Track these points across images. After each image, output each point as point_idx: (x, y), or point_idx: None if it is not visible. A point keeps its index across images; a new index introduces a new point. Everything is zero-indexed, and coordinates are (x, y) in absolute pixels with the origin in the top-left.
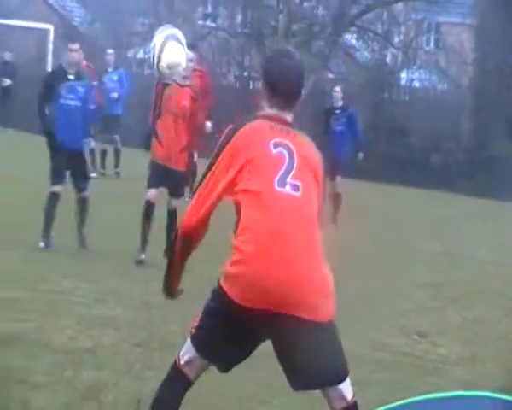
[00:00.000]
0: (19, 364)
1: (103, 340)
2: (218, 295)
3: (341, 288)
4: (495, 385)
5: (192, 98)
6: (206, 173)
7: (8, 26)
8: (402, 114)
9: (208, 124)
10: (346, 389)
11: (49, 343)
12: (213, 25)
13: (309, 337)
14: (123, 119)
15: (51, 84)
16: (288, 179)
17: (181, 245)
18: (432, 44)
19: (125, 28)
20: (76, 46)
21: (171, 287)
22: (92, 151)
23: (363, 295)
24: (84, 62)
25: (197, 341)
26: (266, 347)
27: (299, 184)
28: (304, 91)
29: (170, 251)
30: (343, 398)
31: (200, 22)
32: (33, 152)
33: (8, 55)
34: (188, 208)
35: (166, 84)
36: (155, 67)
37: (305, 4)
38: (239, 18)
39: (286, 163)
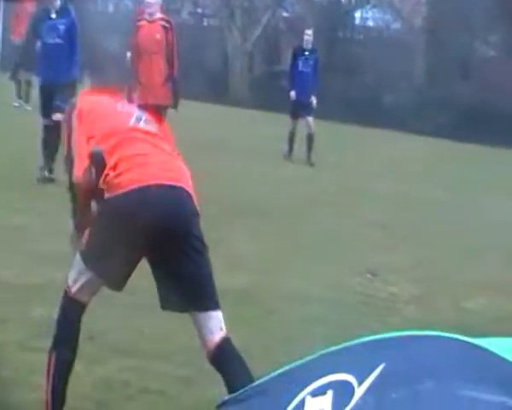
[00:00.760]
0: None
1: (55, 277)
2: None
3: (294, 228)
4: (446, 324)
5: (165, 28)
6: None
7: None
8: (356, 53)
9: None
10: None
11: None
12: None
13: None
14: None
15: (34, 25)
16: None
17: None
18: None
19: None
20: None
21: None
22: None
23: (316, 236)
24: None
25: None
26: None
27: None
28: (258, 29)
29: None
30: (221, 328)
31: None
32: None
33: None
34: None
35: (138, 27)
36: None
37: None
38: None
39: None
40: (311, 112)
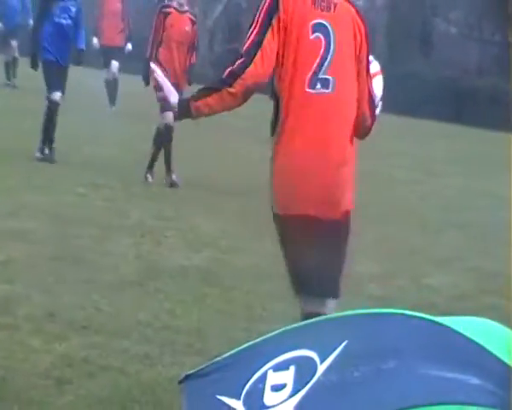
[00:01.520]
0: None
1: (16, 253)
2: None
3: (257, 208)
4: (408, 302)
5: (192, 22)
6: None
7: None
8: None
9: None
10: None
11: None
12: None
13: None
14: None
15: (46, 4)
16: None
17: None
18: None
19: None
20: None
21: None
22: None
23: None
24: None
25: None
26: None
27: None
28: (219, 7)
29: None
30: None
31: None
32: None
33: None
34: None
35: (166, 14)
36: None
37: None
38: None
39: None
40: None
